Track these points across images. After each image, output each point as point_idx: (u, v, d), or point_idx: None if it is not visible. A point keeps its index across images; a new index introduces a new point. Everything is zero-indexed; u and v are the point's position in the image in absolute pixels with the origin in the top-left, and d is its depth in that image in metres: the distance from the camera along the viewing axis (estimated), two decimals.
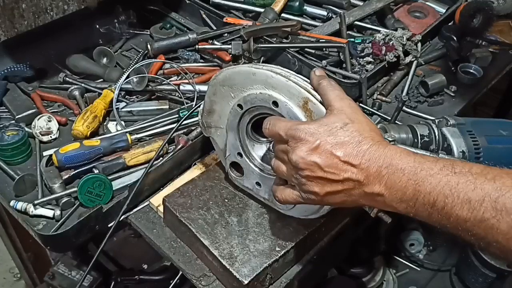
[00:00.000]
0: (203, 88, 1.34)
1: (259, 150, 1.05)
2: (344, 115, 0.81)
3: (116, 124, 1.31)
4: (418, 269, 2.13)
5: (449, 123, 1.10)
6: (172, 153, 1.23)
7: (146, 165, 1.18)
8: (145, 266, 2.00)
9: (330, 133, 0.79)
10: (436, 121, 1.13)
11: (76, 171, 1.18)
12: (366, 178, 0.77)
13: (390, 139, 0.93)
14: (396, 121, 1.33)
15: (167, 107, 1.35)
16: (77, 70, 1.45)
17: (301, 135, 0.80)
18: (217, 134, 1.08)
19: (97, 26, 1.56)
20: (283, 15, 1.63)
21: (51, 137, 1.28)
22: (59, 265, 1.92)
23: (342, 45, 1.47)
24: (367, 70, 1.46)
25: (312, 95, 0.88)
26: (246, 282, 0.97)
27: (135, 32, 1.62)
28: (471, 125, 1.10)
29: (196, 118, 1.21)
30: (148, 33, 1.61)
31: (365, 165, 0.77)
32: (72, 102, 1.37)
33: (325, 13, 1.65)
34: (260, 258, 1.00)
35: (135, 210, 1.17)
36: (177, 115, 1.30)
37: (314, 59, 1.48)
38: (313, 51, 1.50)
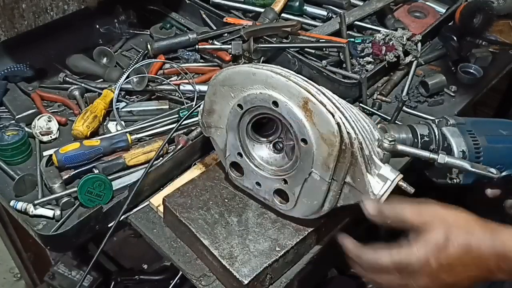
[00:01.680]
0: (203, 88, 1.34)
1: (259, 150, 1.05)
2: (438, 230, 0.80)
3: (116, 124, 1.31)
4: None
5: (449, 122, 1.09)
6: (172, 153, 1.23)
7: (146, 165, 1.18)
8: (145, 266, 2.00)
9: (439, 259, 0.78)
10: (436, 121, 1.12)
11: (76, 171, 1.18)
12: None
13: (390, 139, 0.93)
14: (396, 121, 1.33)
15: (167, 107, 1.35)
16: (77, 70, 1.45)
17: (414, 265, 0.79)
18: (217, 134, 1.08)
19: (97, 26, 1.56)
20: (283, 15, 1.64)
21: (51, 137, 1.28)
22: (59, 265, 1.92)
23: (342, 45, 1.47)
24: (367, 70, 1.45)
25: (312, 95, 0.87)
26: (246, 282, 0.97)
27: (135, 32, 1.63)
28: (471, 125, 1.09)
29: (196, 118, 1.21)
30: (148, 33, 1.62)
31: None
32: (72, 102, 1.37)
33: (325, 13, 1.65)
34: (260, 258, 1.00)
35: (135, 210, 1.17)
36: (177, 115, 1.30)
37: (314, 59, 1.48)
38: (313, 51, 1.50)
